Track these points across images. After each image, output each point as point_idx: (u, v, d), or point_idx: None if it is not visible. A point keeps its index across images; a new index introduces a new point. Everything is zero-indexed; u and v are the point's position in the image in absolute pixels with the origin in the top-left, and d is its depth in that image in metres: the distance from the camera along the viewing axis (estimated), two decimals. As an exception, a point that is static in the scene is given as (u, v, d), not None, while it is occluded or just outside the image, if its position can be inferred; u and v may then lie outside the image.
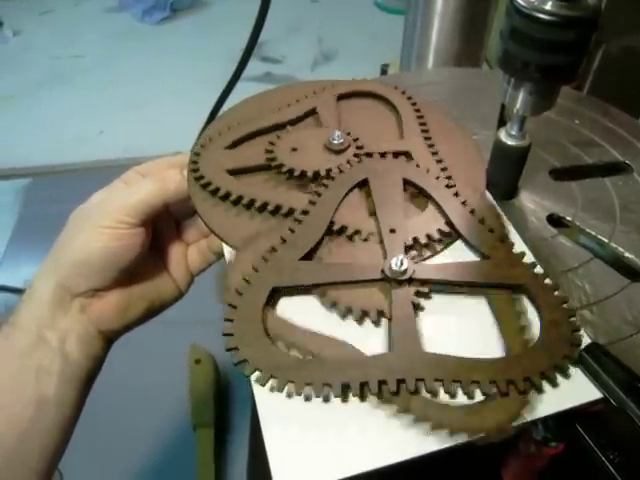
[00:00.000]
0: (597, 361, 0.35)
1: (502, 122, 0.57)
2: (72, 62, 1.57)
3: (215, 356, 0.88)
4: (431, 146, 0.49)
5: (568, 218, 0.48)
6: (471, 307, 0.39)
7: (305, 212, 0.43)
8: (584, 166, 0.53)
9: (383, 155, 0.47)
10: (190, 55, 1.57)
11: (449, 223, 0.43)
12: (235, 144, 0.49)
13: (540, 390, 0.34)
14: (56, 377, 0.42)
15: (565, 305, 0.38)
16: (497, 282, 0.40)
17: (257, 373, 0.35)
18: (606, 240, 0.46)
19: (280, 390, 0.35)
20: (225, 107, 0.54)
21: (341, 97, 0.54)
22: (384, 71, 1.14)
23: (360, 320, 0.38)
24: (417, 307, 0.39)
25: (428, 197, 0.44)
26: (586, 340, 0.37)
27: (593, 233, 0.46)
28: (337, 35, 1.61)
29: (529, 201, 0.49)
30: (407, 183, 0.45)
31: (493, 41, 0.85)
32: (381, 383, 0.34)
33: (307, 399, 0.35)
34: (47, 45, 1.63)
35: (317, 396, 0.34)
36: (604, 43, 0.80)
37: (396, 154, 0.47)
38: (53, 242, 0.45)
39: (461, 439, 0.33)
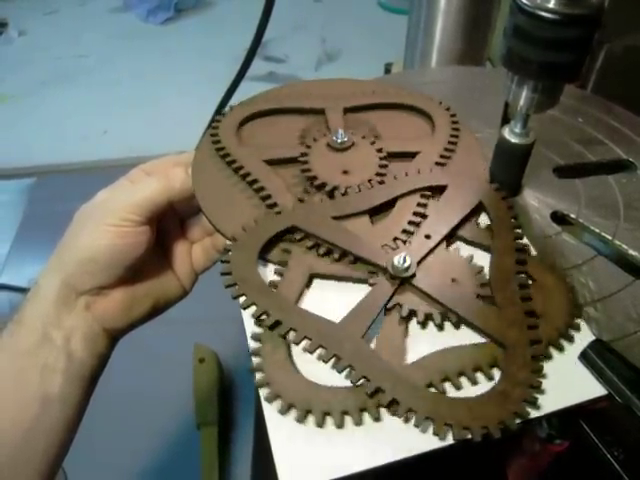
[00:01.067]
0: (601, 358, 0.35)
1: (505, 120, 0.57)
2: (77, 62, 1.57)
3: (219, 355, 0.88)
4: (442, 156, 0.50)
5: (572, 215, 0.48)
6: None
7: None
8: (588, 164, 0.53)
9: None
10: (194, 55, 1.57)
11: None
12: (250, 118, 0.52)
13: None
14: (61, 375, 0.42)
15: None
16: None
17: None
18: (610, 237, 0.46)
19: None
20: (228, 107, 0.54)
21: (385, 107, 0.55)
22: (388, 70, 1.14)
23: None
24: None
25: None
26: (590, 337, 0.37)
27: (597, 230, 0.46)
28: (340, 35, 1.61)
29: (533, 199, 0.49)
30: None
31: (496, 40, 0.85)
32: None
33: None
34: (52, 45, 1.63)
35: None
36: (607, 42, 0.80)
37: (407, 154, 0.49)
38: (58, 241, 0.45)
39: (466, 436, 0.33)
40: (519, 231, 0.43)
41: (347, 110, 0.53)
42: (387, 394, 0.34)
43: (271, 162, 0.48)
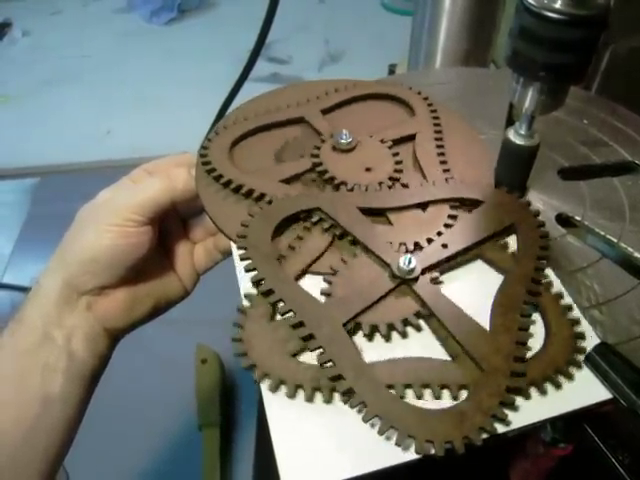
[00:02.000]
0: (606, 361, 0.35)
1: (510, 121, 0.57)
2: (80, 62, 1.57)
3: (221, 356, 0.88)
4: (440, 147, 0.49)
5: (577, 218, 0.48)
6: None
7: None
8: (593, 166, 0.53)
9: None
10: (197, 56, 1.58)
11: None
12: (243, 137, 0.50)
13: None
14: (61, 375, 0.42)
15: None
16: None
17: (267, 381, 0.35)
18: (615, 240, 0.45)
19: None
20: (232, 107, 0.54)
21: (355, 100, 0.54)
22: (392, 71, 1.14)
23: None
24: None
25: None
26: (595, 340, 0.37)
27: (602, 233, 0.46)
28: (344, 36, 1.61)
29: (537, 201, 0.49)
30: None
31: (501, 41, 0.85)
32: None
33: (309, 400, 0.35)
34: (55, 45, 1.63)
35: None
36: (612, 44, 0.79)
37: (403, 139, 0.49)
38: (61, 241, 0.45)
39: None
40: (544, 262, 0.41)
41: (324, 111, 0.52)
42: (346, 382, 0.34)
43: (288, 181, 0.47)
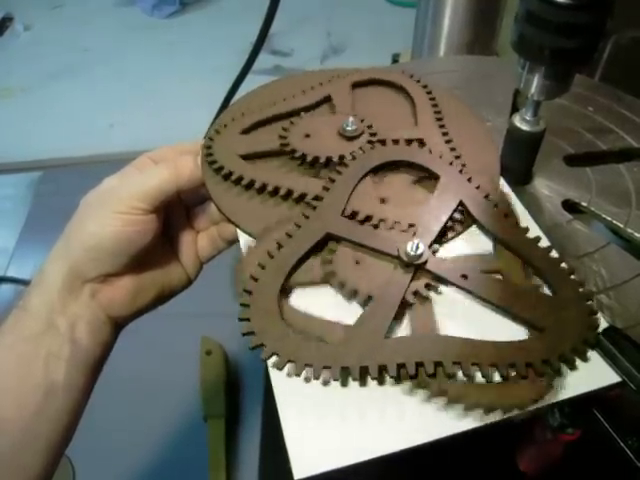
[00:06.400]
0: (615, 344, 0.34)
1: (515, 109, 0.57)
2: (82, 56, 1.57)
3: (226, 348, 0.88)
4: (445, 134, 0.48)
5: (583, 204, 0.48)
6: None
7: (318, 198, 0.43)
8: (598, 152, 0.53)
9: (396, 142, 0.47)
10: (199, 48, 1.57)
11: (463, 208, 0.42)
12: (249, 130, 0.49)
13: (559, 373, 0.34)
14: (65, 363, 0.42)
15: (581, 289, 0.37)
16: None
17: (274, 357, 0.35)
18: (622, 225, 0.45)
19: (298, 374, 0.34)
20: (235, 100, 0.54)
21: (356, 85, 0.53)
22: (395, 61, 1.14)
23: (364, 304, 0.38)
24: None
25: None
26: (604, 324, 0.36)
27: (609, 218, 0.46)
28: (346, 28, 1.60)
29: (544, 187, 0.49)
30: (421, 169, 0.45)
31: (505, 31, 0.85)
32: (400, 367, 0.34)
33: (325, 384, 0.34)
34: (57, 39, 1.63)
35: (334, 379, 0.34)
36: (614, 34, 0.79)
37: (409, 141, 0.47)
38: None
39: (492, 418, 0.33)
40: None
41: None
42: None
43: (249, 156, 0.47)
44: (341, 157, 0.45)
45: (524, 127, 0.46)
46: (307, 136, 0.47)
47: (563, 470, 0.45)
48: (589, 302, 0.37)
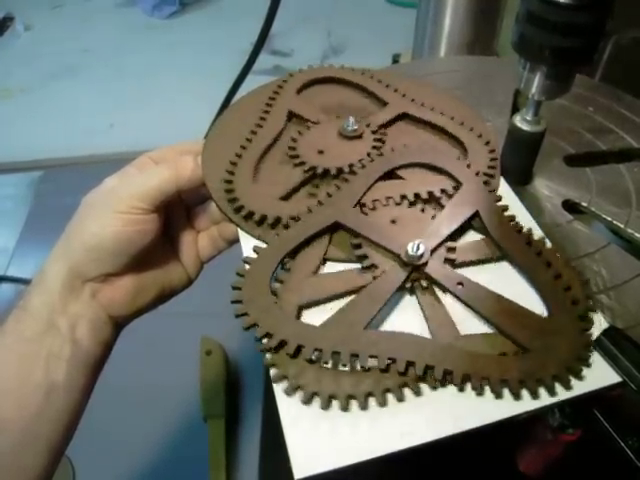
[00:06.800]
0: (616, 345, 0.34)
1: (516, 109, 0.57)
2: (83, 56, 1.57)
3: (226, 348, 0.88)
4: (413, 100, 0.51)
5: (583, 204, 0.48)
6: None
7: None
8: (599, 152, 0.53)
9: (388, 124, 0.49)
10: (200, 49, 1.57)
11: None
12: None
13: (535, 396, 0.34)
14: (66, 363, 0.42)
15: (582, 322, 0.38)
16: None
17: (265, 340, 0.36)
18: (622, 226, 0.45)
19: (271, 348, 0.35)
20: (235, 100, 0.54)
21: (300, 90, 0.54)
22: (395, 61, 1.13)
23: None
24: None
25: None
26: (604, 324, 0.36)
27: (609, 219, 0.46)
28: (346, 28, 1.60)
29: (544, 187, 0.49)
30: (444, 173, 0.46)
31: (505, 31, 0.85)
32: (371, 358, 0.35)
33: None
34: (58, 39, 1.63)
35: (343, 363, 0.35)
36: (614, 34, 0.79)
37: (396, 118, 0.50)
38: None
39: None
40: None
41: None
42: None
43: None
44: (350, 166, 0.46)
45: (525, 127, 0.46)
46: (320, 152, 0.47)
47: (563, 470, 0.45)
48: (587, 332, 0.36)
